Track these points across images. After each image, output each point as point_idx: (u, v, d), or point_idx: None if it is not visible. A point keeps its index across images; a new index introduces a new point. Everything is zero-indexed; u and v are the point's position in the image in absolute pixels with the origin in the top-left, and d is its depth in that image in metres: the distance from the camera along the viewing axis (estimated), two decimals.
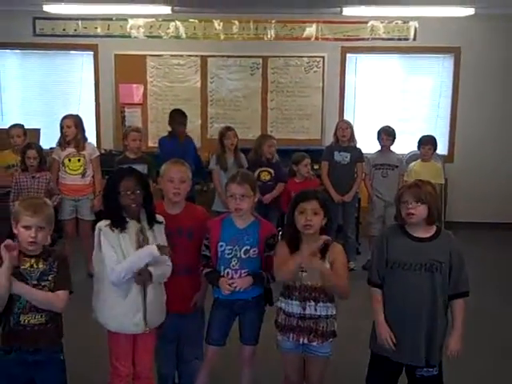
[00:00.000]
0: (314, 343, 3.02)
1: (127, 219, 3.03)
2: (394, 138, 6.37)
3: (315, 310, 3.01)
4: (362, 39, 8.00)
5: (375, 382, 3.19)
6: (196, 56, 8.03)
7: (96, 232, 3.05)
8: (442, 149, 7.89)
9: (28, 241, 2.71)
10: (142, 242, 3.03)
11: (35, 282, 2.74)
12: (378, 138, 6.37)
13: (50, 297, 2.75)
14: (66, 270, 2.85)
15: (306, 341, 3.02)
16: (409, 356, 3.02)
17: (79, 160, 5.81)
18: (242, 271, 3.18)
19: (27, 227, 2.71)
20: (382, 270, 3.06)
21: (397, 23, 7.94)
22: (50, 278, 2.77)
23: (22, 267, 2.74)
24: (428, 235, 3.01)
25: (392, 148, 6.42)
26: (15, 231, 2.77)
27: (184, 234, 3.27)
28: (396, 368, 3.11)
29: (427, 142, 6.36)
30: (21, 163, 5.57)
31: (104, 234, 3.02)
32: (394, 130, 6.38)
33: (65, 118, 5.86)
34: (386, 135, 6.33)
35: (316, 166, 6.67)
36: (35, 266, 2.76)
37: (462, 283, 3.00)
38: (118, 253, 2.98)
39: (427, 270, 2.95)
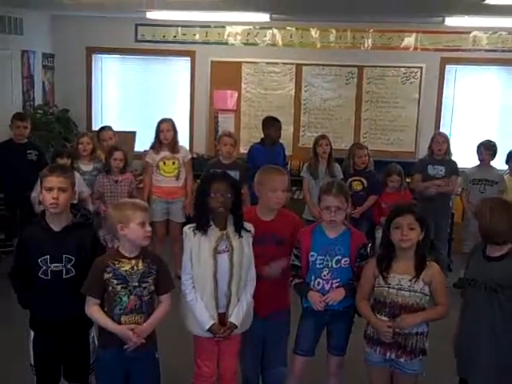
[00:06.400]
0: (402, 359, 2.95)
1: (211, 224, 3.04)
2: (495, 152, 6.12)
3: None
4: (463, 50, 7.71)
5: None
6: (291, 64, 8.01)
7: (184, 235, 3.10)
8: None
9: (146, 235, 2.82)
10: (224, 249, 3.04)
11: (136, 284, 2.80)
12: (478, 152, 6.14)
13: (163, 311, 2.91)
14: (166, 272, 2.95)
15: (393, 356, 2.96)
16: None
17: (174, 163, 5.85)
18: (334, 281, 3.14)
19: (142, 223, 2.82)
20: None
21: (501, 34, 7.61)
22: (149, 280, 2.84)
23: (123, 269, 2.80)
24: (497, 254, 2.87)
25: (492, 163, 6.17)
26: (123, 232, 2.81)
27: (275, 240, 3.25)
28: None
29: None
30: (105, 165, 5.50)
31: (187, 237, 3.07)
32: (495, 144, 6.14)
33: (163, 121, 5.87)
34: (486, 149, 6.09)
35: (408, 180, 6.50)
36: (135, 267, 2.82)
37: None
38: (194, 257, 3.03)
39: (488, 290, 2.83)
